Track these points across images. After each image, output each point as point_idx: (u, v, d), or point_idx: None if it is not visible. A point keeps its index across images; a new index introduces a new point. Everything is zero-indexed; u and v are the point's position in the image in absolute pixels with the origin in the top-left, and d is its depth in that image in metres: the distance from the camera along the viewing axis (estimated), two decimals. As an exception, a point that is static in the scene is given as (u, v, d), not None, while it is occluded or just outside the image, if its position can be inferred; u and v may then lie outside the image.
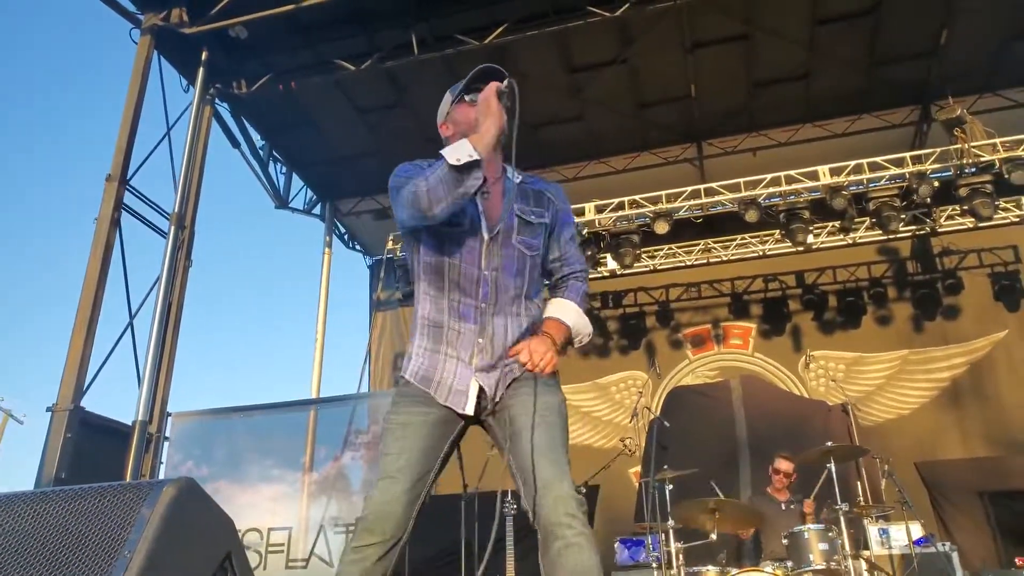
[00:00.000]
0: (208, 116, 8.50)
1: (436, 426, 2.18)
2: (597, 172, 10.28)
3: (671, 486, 5.16)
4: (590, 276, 9.91)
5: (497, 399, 2.19)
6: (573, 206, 8.74)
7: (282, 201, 10.51)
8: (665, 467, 5.30)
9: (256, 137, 9.97)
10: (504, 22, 8.04)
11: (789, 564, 4.98)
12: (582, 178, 10.27)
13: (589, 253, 8.58)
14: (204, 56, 8.37)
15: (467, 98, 2.31)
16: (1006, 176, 7.98)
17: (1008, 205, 9.13)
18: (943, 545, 5.56)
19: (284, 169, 10.61)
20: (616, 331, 10.19)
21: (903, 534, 5.51)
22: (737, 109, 9.63)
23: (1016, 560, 5.53)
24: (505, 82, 2.20)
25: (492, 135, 2.13)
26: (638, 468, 8.24)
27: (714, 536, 4.92)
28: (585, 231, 8.82)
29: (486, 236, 2.23)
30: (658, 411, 8.59)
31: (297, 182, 10.78)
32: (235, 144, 9.58)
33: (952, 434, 8.79)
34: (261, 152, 10.09)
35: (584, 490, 6.13)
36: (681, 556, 5.00)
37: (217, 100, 8.77)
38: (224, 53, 8.58)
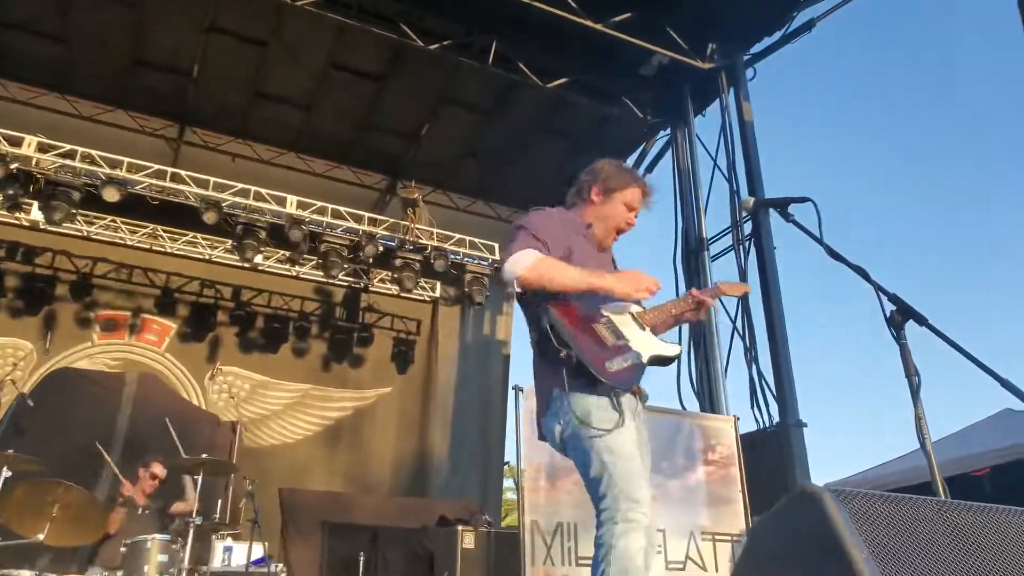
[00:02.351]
0: None
1: None
2: (58, 108, 8.92)
3: (9, 473, 4.49)
4: (3, 219, 8.52)
5: None
6: (14, 132, 7.34)
7: None
8: (11, 451, 4.63)
9: None
10: None
11: (120, 574, 4.76)
12: (38, 107, 8.80)
13: (11, 192, 7.29)
14: None
15: None
16: (431, 262, 9.42)
17: (425, 285, 10.75)
18: (276, 566, 5.99)
19: None
20: (15, 289, 8.70)
21: (245, 553, 5.77)
22: (233, 110, 9.47)
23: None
24: None
25: None
26: (-17, 447, 7.05)
27: (41, 536, 4.42)
28: (15, 166, 7.48)
29: None
30: (29, 389, 7.53)
31: None
32: None
33: (321, 468, 9.70)
34: None
35: None
36: (-6, 554, 4.37)
37: None
38: None
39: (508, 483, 11.44)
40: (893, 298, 2.02)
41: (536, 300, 2.55)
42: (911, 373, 1.95)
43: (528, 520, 5.21)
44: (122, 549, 4.86)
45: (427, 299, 10.99)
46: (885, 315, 2.03)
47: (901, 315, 1.99)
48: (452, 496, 9.71)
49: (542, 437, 2.65)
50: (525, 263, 2.46)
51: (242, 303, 9.97)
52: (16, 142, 7.58)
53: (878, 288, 2.05)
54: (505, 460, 10.45)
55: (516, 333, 11.24)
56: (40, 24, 8.24)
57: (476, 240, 9.90)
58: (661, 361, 2.51)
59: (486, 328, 10.95)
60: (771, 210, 2.39)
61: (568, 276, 2.46)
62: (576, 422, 2.38)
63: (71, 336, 8.93)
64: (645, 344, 2.48)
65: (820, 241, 2.25)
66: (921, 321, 1.96)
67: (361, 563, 6.58)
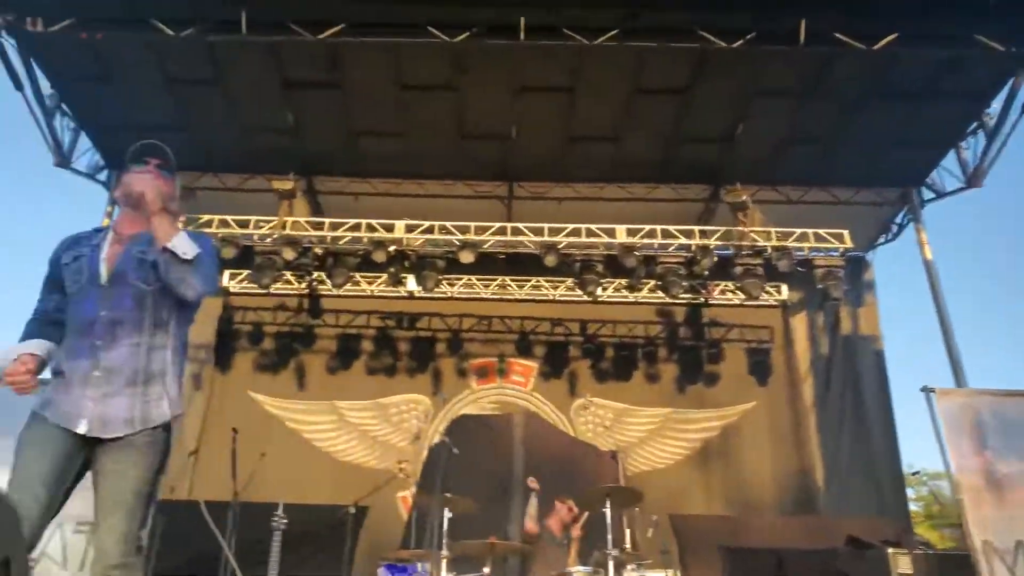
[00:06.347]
0: (-10, 44, 7.22)
1: (59, 445, 2.35)
2: (411, 192, 10.10)
3: (450, 514, 5.01)
4: (389, 294, 9.79)
5: (115, 432, 2.37)
6: (385, 220, 8.44)
7: (64, 159, 9.16)
8: (448, 494, 5.15)
9: (45, 84, 8.64)
10: (342, 22, 7.73)
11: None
12: (396, 195, 10.05)
13: (392, 270, 8.39)
14: (-5, -23, 7.16)
15: (134, 168, 2.79)
16: (774, 263, 8.91)
17: (771, 289, 10.19)
18: (686, 593, 5.89)
19: (72, 124, 9.28)
20: (406, 353, 10.12)
21: (658, 581, 5.76)
22: (551, 158, 9.89)
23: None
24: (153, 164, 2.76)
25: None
26: (407, 493, 8.09)
27: (487, 570, 4.83)
28: (392, 248, 8.63)
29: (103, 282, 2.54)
30: (438, 437, 8.50)
31: (85, 142, 9.45)
32: (18, 86, 8.22)
33: (698, 491, 9.52)
34: (48, 101, 8.75)
35: (354, 509, 5.87)
36: (451, 586, 4.85)
37: (4, 32, 7.50)
38: (22, -19, 7.40)
39: (908, 492, 10.20)
40: None
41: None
42: None
43: (978, 540, 4.46)
44: (552, 580, 5.10)
45: (775, 303, 10.40)
46: None
47: None
48: (842, 512, 8.92)
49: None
50: None
51: (589, 336, 10.33)
52: (388, 228, 8.72)
53: None
54: (914, 470, 9.33)
55: (885, 323, 10.12)
56: (383, 126, 9.43)
57: (820, 231, 9.17)
58: None
59: (846, 324, 10.03)
60: None
61: None
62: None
63: (455, 386, 10.07)
64: None
65: None
66: None
67: (774, 588, 6.21)
